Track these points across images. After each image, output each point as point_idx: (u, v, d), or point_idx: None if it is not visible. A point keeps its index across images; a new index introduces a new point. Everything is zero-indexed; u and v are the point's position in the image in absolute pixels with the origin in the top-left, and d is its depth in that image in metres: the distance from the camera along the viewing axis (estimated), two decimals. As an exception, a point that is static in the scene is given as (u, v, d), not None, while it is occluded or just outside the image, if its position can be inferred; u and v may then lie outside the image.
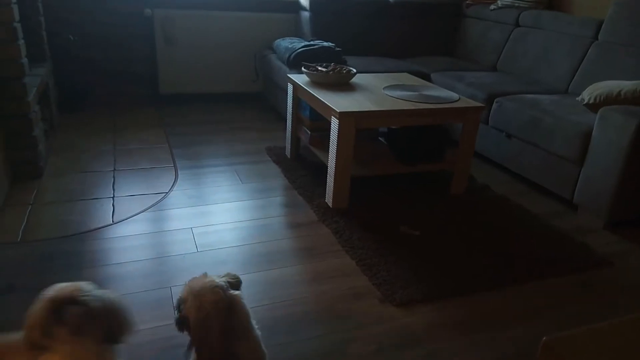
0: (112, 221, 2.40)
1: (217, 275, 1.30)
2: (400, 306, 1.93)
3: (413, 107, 2.60)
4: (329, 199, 2.66)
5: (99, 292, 1.12)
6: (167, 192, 2.73)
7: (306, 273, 2.12)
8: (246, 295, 1.97)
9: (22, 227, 2.30)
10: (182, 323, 1.22)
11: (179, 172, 2.99)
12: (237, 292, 1.27)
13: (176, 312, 1.26)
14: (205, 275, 1.28)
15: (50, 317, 1.02)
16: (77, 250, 2.17)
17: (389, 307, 1.93)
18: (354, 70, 3.04)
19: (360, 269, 2.15)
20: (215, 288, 1.21)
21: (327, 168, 2.65)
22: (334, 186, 2.59)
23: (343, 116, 2.44)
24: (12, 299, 1.84)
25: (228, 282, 1.27)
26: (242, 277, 2.09)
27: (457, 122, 2.97)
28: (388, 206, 2.71)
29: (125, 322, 1.15)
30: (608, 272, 2.25)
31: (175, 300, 1.28)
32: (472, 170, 3.11)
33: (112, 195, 2.66)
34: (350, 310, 1.90)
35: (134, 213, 2.49)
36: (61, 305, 1.03)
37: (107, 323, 1.08)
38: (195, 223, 2.45)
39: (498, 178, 3.21)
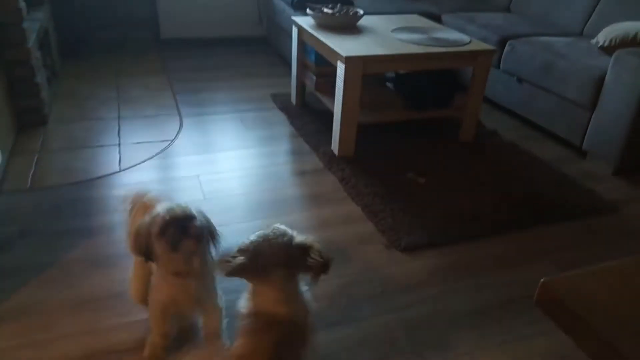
0: (119, 168, 2.41)
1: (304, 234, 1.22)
2: (405, 251, 1.96)
3: (422, 51, 2.52)
4: (335, 146, 2.64)
5: (198, 209, 1.28)
6: (172, 140, 2.72)
7: (312, 220, 2.14)
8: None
9: (31, 174, 2.32)
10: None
11: (183, 119, 2.96)
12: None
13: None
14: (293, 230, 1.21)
15: (177, 235, 1.18)
16: (85, 197, 2.19)
17: (394, 252, 1.96)
18: (361, 12, 2.93)
19: (366, 216, 2.16)
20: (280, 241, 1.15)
21: (333, 115, 2.61)
22: (340, 133, 2.56)
23: (349, 61, 2.38)
24: (24, 244, 1.88)
25: (305, 244, 1.18)
26: (248, 225, 2.15)
27: (468, 66, 2.89)
28: (395, 153, 2.69)
29: (216, 230, 1.34)
30: (614, 218, 2.25)
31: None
32: (481, 116, 3.06)
33: (117, 143, 2.65)
34: (356, 255, 1.93)
35: (140, 160, 2.49)
36: (183, 222, 1.19)
37: (211, 232, 1.30)
38: (201, 170, 2.46)
39: (507, 124, 3.16)
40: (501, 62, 3.15)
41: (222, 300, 1.42)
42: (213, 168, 2.50)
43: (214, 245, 1.33)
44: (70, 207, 2.11)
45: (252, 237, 1.16)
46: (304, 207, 2.23)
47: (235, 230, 2.04)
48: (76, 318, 1.56)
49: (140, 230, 1.22)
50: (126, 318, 1.57)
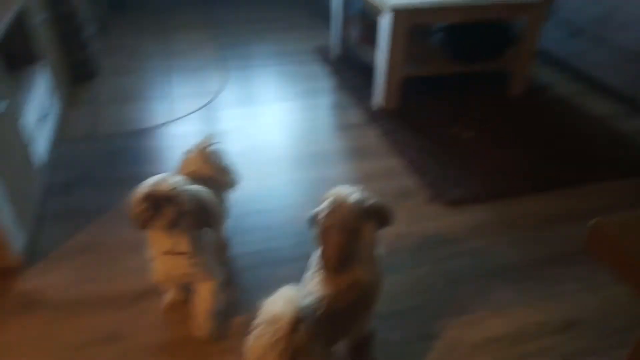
0: (168, 120, 2.49)
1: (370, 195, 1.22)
2: (448, 206, 1.96)
3: (474, 2, 2.41)
4: (378, 99, 2.61)
5: (188, 189, 1.20)
6: (217, 92, 2.76)
7: (354, 173, 2.16)
8: (295, 194, 2.08)
9: (87, 124, 2.43)
10: (311, 220, 1.20)
11: (228, 72, 2.99)
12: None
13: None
14: (355, 189, 1.21)
15: (149, 212, 1.14)
16: (136, 146, 2.28)
17: (436, 206, 1.96)
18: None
19: (409, 170, 2.16)
20: (354, 205, 1.14)
21: (376, 67, 2.57)
22: (384, 86, 2.53)
23: (395, 11, 2.32)
24: (84, 188, 2.00)
25: (373, 205, 1.19)
26: (290, 177, 2.19)
27: (520, 17, 2.75)
28: (441, 107, 2.64)
29: (211, 213, 1.28)
30: (670, 177, 2.16)
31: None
32: (532, 70, 2.94)
33: (165, 95, 2.72)
34: (398, 209, 1.94)
35: (187, 112, 2.56)
36: (158, 202, 1.13)
37: (197, 215, 1.21)
38: (245, 122, 2.50)
39: (559, 78, 3.02)
40: (555, 12, 2.98)
41: (220, 274, 1.37)
42: (257, 120, 2.54)
43: (208, 226, 1.29)
44: (123, 156, 2.22)
45: (324, 205, 1.15)
46: (346, 161, 2.25)
47: (279, 181, 2.10)
48: (135, 256, 1.67)
49: (132, 198, 1.19)
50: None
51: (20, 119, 1.79)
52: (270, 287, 1.53)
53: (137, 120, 2.48)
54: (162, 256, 1.25)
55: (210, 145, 1.48)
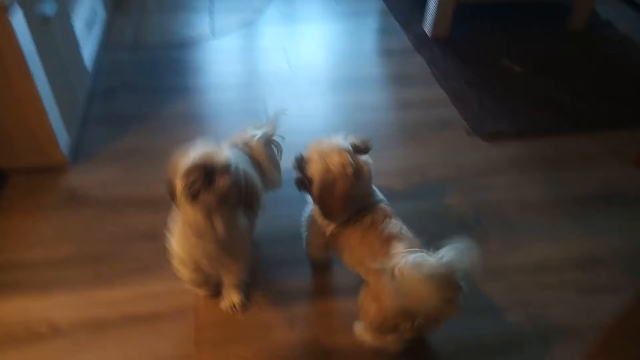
0: (211, 34, 2.46)
1: (344, 137, 1.18)
2: (488, 139, 1.91)
3: None
4: (427, 26, 2.49)
5: (245, 167, 1.07)
6: (262, 10, 2.70)
7: (393, 100, 2.12)
8: (331, 118, 2.06)
9: (131, 32, 2.44)
10: (303, 183, 1.18)
11: (273, -11, 2.90)
12: (364, 158, 1.17)
13: (297, 171, 1.20)
14: (332, 137, 1.17)
15: (200, 184, 0.99)
16: (180, 58, 2.29)
17: (475, 139, 1.91)
18: None
19: (452, 101, 2.10)
20: (343, 152, 1.13)
21: (429, -9, 2.43)
22: (435, 11, 2.40)
23: None
24: (127, 95, 2.05)
25: (354, 145, 1.17)
26: (330, 100, 2.17)
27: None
28: (493, 38, 2.50)
29: (257, 198, 1.10)
30: None
31: (294, 157, 1.21)
32: (595, 4, 2.71)
33: (211, 8, 2.68)
34: (434, 138, 1.92)
35: (230, 28, 2.52)
36: (212, 173, 1.00)
37: (244, 196, 1.06)
38: (288, 42, 2.45)
39: (624, 14, 2.78)
40: (636, -61, 2.70)
41: (250, 258, 1.27)
42: (300, 40, 2.49)
43: (251, 211, 1.11)
44: (166, 66, 2.23)
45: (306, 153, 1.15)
46: (386, 87, 2.20)
47: (316, 104, 2.08)
48: (172, 165, 1.73)
49: (170, 166, 1.05)
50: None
51: (69, 23, 1.81)
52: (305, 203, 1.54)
53: (181, 32, 2.47)
54: (192, 238, 1.10)
55: (274, 134, 1.36)
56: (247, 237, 1.23)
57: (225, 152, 1.03)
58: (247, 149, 1.27)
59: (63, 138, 1.65)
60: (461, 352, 1.25)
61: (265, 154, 1.30)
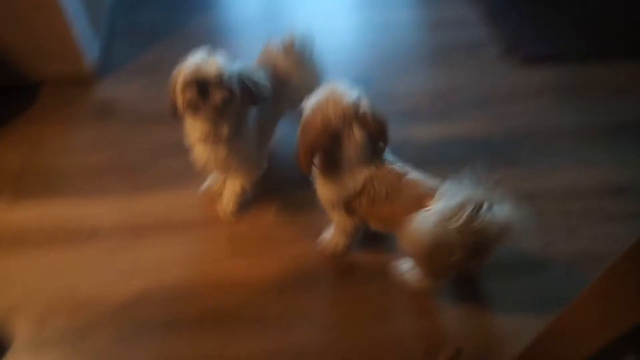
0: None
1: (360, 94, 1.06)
2: (522, 62, 1.82)
3: None
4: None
5: (235, 70, 1.09)
6: None
7: (424, 18, 2.02)
8: (361, 33, 1.98)
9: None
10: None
11: None
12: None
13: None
14: (355, 88, 1.07)
15: (196, 99, 1.04)
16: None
17: (508, 62, 1.84)
18: None
19: (486, 19, 1.99)
20: (340, 106, 1.01)
21: None
22: None
23: None
24: (155, 6, 2.00)
25: (364, 113, 1.03)
26: (356, 19, 2.05)
27: None
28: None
29: (259, 92, 1.14)
30: None
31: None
32: None
33: None
34: (465, 60, 1.85)
35: None
36: (205, 86, 1.03)
37: (244, 97, 1.10)
38: (317, 9, 2.31)
39: None
40: None
41: (260, 165, 1.31)
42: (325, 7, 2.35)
43: (255, 103, 1.14)
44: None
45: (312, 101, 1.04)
46: (416, 4, 2.09)
47: (341, 22, 2.02)
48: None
49: (170, 81, 1.09)
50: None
51: None
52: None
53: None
54: (200, 143, 1.16)
55: (296, 43, 1.32)
56: (254, 143, 1.24)
57: (217, 63, 1.05)
58: (271, 67, 1.27)
59: (91, 50, 1.65)
60: (482, 273, 1.29)
61: (293, 62, 1.30)
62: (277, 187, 1.42)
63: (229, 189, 1.32)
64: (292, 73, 1.30)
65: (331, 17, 2.02)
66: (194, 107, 1.05)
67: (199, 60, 1.06)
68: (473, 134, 1.60)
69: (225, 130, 1.11)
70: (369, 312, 1.19)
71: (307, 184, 1.44)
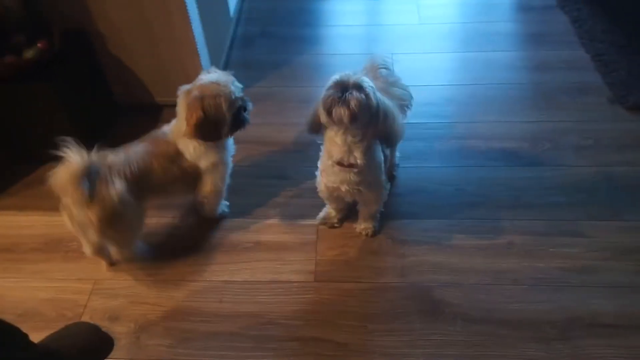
0: (344, -16, 2.49)
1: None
2: (632, 110, 1.75)
3: None
4: (576, -20, 2.28)
5: (380, 95, 1.14)
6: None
7: (529, 60, 2.01)
8: (462, 71, 2.01)
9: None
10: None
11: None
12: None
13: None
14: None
15: (334, 97, 1.09)
16: (313, 8, 2.38)
17: (618, 108, 1.77)
18: None
19: (595, 65, 1.94)
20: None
21: (584, -60, 2.20)
22: (587, -36, 2.19)
23: None
24: (263, 42, 2.18)
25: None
26: (460, 55, 2.10)
27: None
28: (651, -4, 2.23)
29: (395, 128, 1.18)
30: None
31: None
32: None
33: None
34: (572, 103, 1.80)
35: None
36: (345, 88, 1.09)
37: (382, 127, 1.15)
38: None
39: None
40: None
41: (386, 188, 1.36)
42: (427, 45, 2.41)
43: (388, 141, 1.21)
44: (300, 16, 2.32)
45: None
46: (522, 45, 2.09)
47: (442, 56, 2.05)
48: (303, 111, 1.82)
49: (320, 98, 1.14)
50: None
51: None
52: (429, 158, 1.57)
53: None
54: (334, 166, 1.22)
55: (380, 65, 1.41)
56: (382, 170, 1.30)
57: (362, 76, 1.12)
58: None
59: (210, 79, 1.82)
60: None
61: (382, 82, 1.35)
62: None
63: (363, 213, 1.40)
64: (389, 89, 1.36)
65: (433, 55, 2.07)
66: (329, 105, 1.09)
67: (347, 73, 1.12)
68: (575, 180, 1.55)
69: (358, 154, 1.17)
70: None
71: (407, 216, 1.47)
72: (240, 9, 2.32)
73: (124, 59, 1.73)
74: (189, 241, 1.46)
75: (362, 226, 1.44)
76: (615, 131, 1.69)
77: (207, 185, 1.37)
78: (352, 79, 1.10)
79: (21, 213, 1.55)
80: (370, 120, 1.13)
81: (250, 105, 1.36)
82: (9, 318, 1.05)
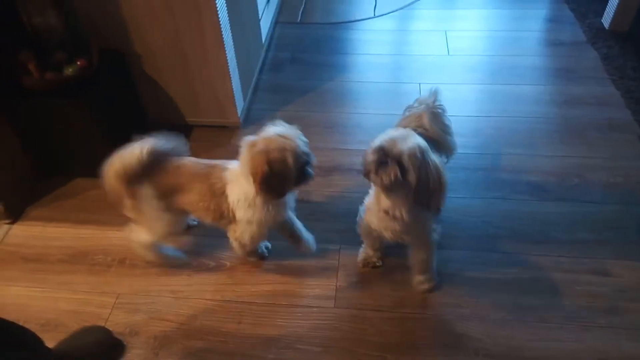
0: (374, 14, 2.54)
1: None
2: (663, 148, 1.73)
3: None
4: (607, 17, 2.28)
5: (428, 159, 1.07)
6: (424, -9, 2.70)
7: (558, 95, 2.00)
8: (489, 103, 2.01)
9: (300, 11, 2.61)
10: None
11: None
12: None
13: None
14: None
15: (373, 165, 1.07)
16: (342, 37, 2.41)
17: (647, 147, 1.75)
18: None
19: (625, 102, 1.92)
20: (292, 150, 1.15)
21: (615, -21, 2.21)
22: (618, 2, 2.19)
23: None
24: (293, 68, 2.22)
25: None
26: (488, 87, 2.11)
27: None
28: (684, 35, 2.22)
29: (440, 193, 1.11)
30: None
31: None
32: None
33: (373, -11, 2.75)
34: (602, 140, 1.78)
35: (393, 9, 2.57)
36: (386, 158, 1.06)
37: (422, 191, 1.08)
38: (449, 26, 2.43)
39: None
40: None
41: (435, 236, 1.30)
42: (460, 25, 2.45)
43: (432, 207, 1.12)
44: (329, 43, 2.37)
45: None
46: (550, 80, 2.08)
47: (469, 89, 2.06)
48: (327, 136, 1.86)
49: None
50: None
51: (254, -1, 2.02)
52: (454, 189, 1.55)
53: (345, 12, 2.58)
54: (380, 212, 1.19)
55: (436, 101, 1.37)
56: (431, 223, 1.25)
57: (410, 143, 1.04)
58: (421, 129, 1.29)
59: (239, 102, 1.86)
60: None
61: (436, 126, 1.31)
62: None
63: (416, 265, 1.34)
64: (442, 135, 1.33)
65: (460, 85, 2.08)
66: (366, 171, 1.08)
67: (400, 134, 1.08)
68: (603, 217, 1.52)
69: (402, 210, 1.14)
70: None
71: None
72: (271, 35, 2.38)
73: (158, 79, 1.78)
74: (211, 260, 1.47)
75: (417, 279, 1.35)
76: (646, 169, 1.67)
77: (235, 233, 1.31)
78: (395, 148, 1.04)
79: (50, 224, 1.59)
80: (410, 190, 1.07)
81: (314, 159, 1.25)
82: (32, 327, 1.08)
